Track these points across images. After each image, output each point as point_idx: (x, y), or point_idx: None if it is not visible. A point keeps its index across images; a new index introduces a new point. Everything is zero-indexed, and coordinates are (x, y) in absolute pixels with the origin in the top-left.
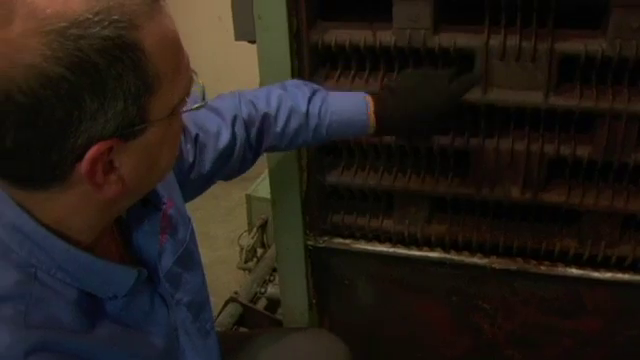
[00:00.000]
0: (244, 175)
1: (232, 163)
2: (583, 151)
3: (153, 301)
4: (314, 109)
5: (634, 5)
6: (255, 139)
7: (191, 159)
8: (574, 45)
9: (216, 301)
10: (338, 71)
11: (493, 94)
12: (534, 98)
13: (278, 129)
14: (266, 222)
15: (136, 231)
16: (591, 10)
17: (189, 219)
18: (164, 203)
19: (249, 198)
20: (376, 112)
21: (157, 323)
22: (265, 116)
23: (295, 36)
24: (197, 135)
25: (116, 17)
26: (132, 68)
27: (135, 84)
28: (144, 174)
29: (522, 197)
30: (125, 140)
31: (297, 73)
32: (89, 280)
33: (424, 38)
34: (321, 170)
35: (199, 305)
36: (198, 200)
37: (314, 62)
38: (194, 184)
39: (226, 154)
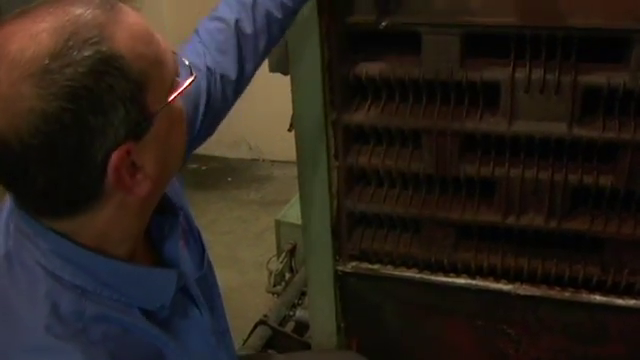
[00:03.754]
0: (273, 200)
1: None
2: (606, 180)
3: (189, 308)
4: None
5: None
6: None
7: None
8: (597, 78)
9: (245, 324)
10: (368, 102)
11: (518, 125)
12: (558, 129)
13: (249, 31)
14: (295, 247)
15: (160, 239)
16: (614, 44)
17: (199, 231)
18: (180, 208)
19: (278, 223)
20: None
21: (197, 329)
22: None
23: (327, 68)
24: None
25: (86, 36)
26: (119, 75)
27: (127, 88)
28: (165, 162)
29: (546, 225)
30: (137, 140)
31: (329, 104)
32: (134, 292)
33: (452, 71)
34: (351, 197)
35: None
36: (227, 224)
37: (345, 93)
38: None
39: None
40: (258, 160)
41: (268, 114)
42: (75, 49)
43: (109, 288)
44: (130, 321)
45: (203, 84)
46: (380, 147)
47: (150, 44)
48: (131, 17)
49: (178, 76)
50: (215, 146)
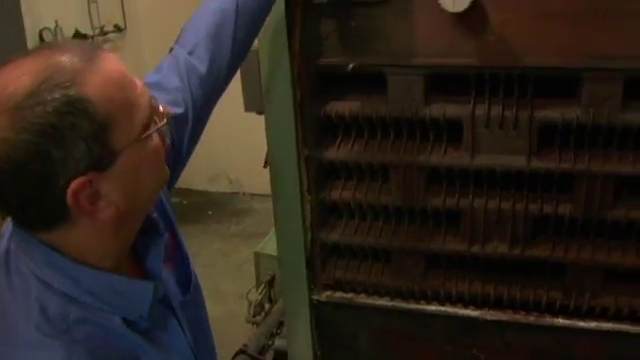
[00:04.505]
0: (253, 232)
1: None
2: (564, 209)
3: (170, 323)
4: None
5: (603, 78)
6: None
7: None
8: (552, 113)
9: (226, 353)
10: (339, 139)
11: (480, 159)
12: (517, 162)
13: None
14: (273, 278)
15: (144, 256)
16: (567, 81)
17: (188, 257)
18: (166, 230)
19: (257, 255)
20: None
21: (178, 346)
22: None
23: (299, 107)
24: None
25: (59, 80)
26: (82, 116)
27: (89, 127)
28: (134, 192)
29: (510, 252)
30: (100, 172)
31: (301, 141)
32: (115, 300)
33: (416, 109)
34: (324, 229)
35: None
36: (208, 257)
37: (317, 131)
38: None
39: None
40: (238, 193)
41: (248, 148)
42: (46, 91)
43: (92, 296)
44: (110, 326)
45: (188, 101)
46: (351, 181)
47: (122, 90)
48: (110, 64)
49: (157, 117)
50: (196, 180)
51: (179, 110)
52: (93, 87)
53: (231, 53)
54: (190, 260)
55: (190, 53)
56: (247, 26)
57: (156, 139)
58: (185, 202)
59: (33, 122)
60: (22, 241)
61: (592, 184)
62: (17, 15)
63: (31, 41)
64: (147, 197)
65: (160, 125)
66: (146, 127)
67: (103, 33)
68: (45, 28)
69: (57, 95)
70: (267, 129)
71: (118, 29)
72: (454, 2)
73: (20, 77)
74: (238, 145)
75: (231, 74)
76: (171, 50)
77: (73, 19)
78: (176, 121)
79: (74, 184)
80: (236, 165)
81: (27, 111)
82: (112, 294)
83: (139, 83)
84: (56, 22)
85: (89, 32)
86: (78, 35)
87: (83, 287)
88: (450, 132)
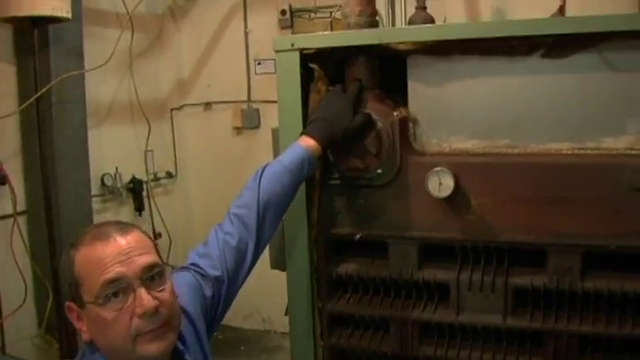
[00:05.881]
0: None
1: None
2: None
3: None
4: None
5: (565, 252)
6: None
7: (209, 293)
8: (523, 280)
9: None
10: (348, 294)
11: (464, 317)
12: (495, 320)
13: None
14: None
15: None
16: (536, 252)
17: None
18: None
19: None
20: (309, 135)
21: None
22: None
23: (315, 268)
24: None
25: (73, 240)
26: (67, 268)
27: (70, 276)
28: (98, 335)
29: None
30: (78, 306)
31: (316, 295)
32: None
33: (411, 273)
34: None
35: None
36: None
37: (329, 287)
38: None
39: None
40: (270, 332)
41: (280, 290)
42: (69, 244)
43: None
44: None
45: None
46: (357, 331)
47: (94, 265)
48: (108, 248)
49: (124, 296)
50: (232, 317)
51: (217, 273)
52: (80, 255)
53: (255, 238)
54: None
55: (225, 233)
56: (270, 218)
57: (112, 312)
58: (220, 337)
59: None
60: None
61: (558, 342)
62: (85, 162)
63: (94, 184)
64: (118, 347)
65: (125, 305)
66: (99, 297)
67: (156, 179)
68: (106, 174)
69: (67, 249)
70: (288, 284)
71: (170, 175)
72: (439, 189)
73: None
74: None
75: (258, 249)
76: (215, 227)
77: (131, 166)
78: (216, 281)
79: (68, 302)
80: (269, 304)
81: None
82: None
83: (116, 267)
84: (116, 168)
85: (144, 178)
86: (134, 180)
87: None
88: (440, 292)
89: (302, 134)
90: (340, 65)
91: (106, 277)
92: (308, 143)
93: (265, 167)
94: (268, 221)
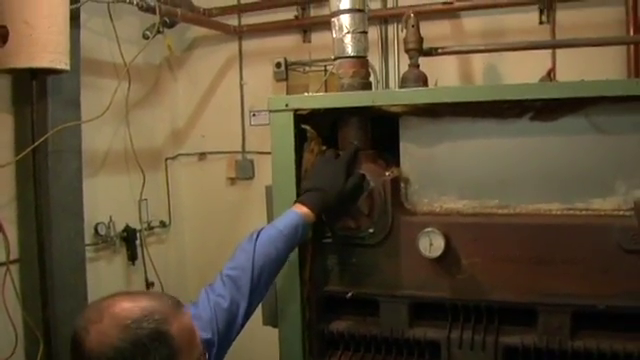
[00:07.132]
0: None
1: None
2: None
3: None
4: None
5: (554, 311)
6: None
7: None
8: (513, 339)
9: None
10: (339, 352)
11: None
12: None
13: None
14: None
15: None
16: (527, 312)
17: None
18: None
19: None
20: (303, 203)
21: None
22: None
23: (307, 325)
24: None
25: (156, 317)
26: (164, 345)
27: (166, 352)
28: None
29: None
30: None
31: (308, 353)
32: None
33: (402, 331)
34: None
35: None
36: None
37: (321, 344)
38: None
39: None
40: None
41: (271, 342)
42: (147, 321)
43: None
44: None
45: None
46: None
47: (189, 335)
48: (187, 317)
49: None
50: None
51: (207, 335)
52: (176, 327)
53: (248, 300)
54: None
55: (217, 295)
56: (264, 281)
57: None
58: None
59: (133, 338)
60: None
61: None
62: (79, 211)
63: (88, 232)
64: None
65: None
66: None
67: (150, 228)
68: (100, 223)
69: (152, 325)
70: (280, 341)
71: (163, 224)
72: (430, 249)
73: (132, 308)
74: (264, 339)
75: (249, 311)
76: (205, 288)
77: (125, 215)
78: (206, 344)
79: None
80: (261, 357)
81: (131, 330)
82: None
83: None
84: (110, 217)
85: (138, 227)
86: (128, 229)
87: None
88: (431, 350)
89: (296, 202)
90: (334, 125)
91: (200, 347)
92: (302, 210)
93: (260, 231)
94: (262, 284)
